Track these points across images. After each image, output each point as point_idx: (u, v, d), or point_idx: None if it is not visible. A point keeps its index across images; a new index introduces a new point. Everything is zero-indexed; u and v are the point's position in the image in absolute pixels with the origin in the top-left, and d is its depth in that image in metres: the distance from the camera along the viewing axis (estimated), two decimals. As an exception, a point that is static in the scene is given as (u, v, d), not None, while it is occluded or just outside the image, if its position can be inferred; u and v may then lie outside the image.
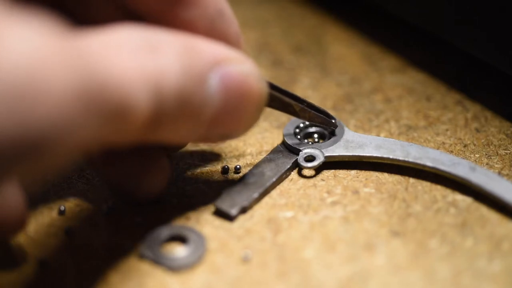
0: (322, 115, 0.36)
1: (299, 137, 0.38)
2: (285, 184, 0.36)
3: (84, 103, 0.23)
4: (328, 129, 0.38)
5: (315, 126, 0.38)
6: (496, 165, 0.36)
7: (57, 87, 0.22)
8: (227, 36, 0.31)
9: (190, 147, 0.38)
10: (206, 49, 0.29)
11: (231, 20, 0.32)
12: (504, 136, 0.38)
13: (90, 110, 0.23)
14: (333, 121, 0.37)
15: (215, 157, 0.38)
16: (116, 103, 0.24)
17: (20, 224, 0.30)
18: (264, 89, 0.30)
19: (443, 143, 0.38)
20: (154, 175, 0.33)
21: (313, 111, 0.36)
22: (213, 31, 0.31)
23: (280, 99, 0.34)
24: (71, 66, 0.23)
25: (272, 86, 0.34)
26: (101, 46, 0.25)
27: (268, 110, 0.41)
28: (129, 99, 0.25)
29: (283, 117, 0.40)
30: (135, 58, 0.25)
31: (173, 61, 0.27)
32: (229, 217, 0.34)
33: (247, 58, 0.30)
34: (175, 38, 0.28)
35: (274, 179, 0.35)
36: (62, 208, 0.34)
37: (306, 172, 0.36)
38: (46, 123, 0.22)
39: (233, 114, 0.29)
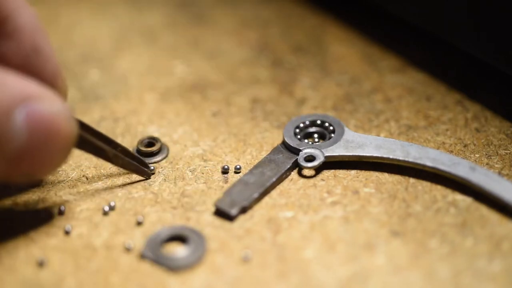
0: (135, 163, 0.35)
1: (299, 137, 0.38)
2: (285, 184, 0.36)
3: None
4: (143, 176, 0.36)
5: (315, 126, 0.38)
6: (496, 165, 0.36)
7: None
8: (43, 73, 0.31)
9: (190, 147, 0.38)
10: (14, 83, 0.28)
11: (48, 57, 0.31)
12: (504, 136, 0.38)
13: None
14: (148, 170, 0.36)
15: (215, 157, 0.38)
16: None
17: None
18: (73, 130, 0.29)
19: (443, 143, 0.38)
20: None
21: (127, 158, 0.35)
22: (27, 67, 0.30)
23: (92, 143, 0.33)
24: None
25: (84, 127, 0.33)
26: None
27: (268, 110, 0.41)
28: None
29: (283, 117, 0.40)
30: None
31: None
32: (229, 217, 0.34)
33: (58, 97, 0.29)
34: None
35: (274, 179, 0.35)
36: (62, 208, 0.34)
37: (306, 172, 0.36)
38: None
39: (38, 153, 0.28)
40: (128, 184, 0.36)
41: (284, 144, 0.37)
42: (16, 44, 0.30)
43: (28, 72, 0.30)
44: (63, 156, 0.30)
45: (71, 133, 0.29)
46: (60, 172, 0.36)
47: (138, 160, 0.36)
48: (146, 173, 0.36)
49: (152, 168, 0.36)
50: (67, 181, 0.36)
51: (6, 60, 0.30)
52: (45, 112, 0.28)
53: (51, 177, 0.36)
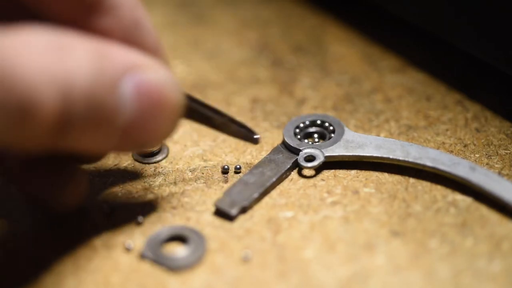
0: (243, 129, 0.36)
1: (299, 137, 0.38)
2: (285, 184, 0.36)
3: None
4: (250, 142, 0.36)
5: (315, 126, 0.38)
6: (496, 165, 0.36)
7: None
8: (145, 46, 0.31)
9: (190, 147, 0.38)
10: (119, 54, 0.28)
11: (148, 30, 0.31)
12: (504, 136, 0.38)
13: None
14: (255, 136, 0.36)
15: (215, 157, 0.38)
16: (21, 100, 0.24)
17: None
18: (180, 98, 0.29)
19: (443, 143, 0.38)
20: (69, 187, 0.32)
21: (234, 125, 0.35)
22: (129, 41, 0.30)
23: (200, 112, 0.33)
24: None
25: (191, 99, 0.33)
26: (9, 44, 0.25)
27: (268, 110, 0.41)
28: (34, 96, 0.24)
29: (283, 117, 0.40)
30: (43, 58, 0.25)
31: (83, 63, 0.26)
32: (229, 217, 0.34)
33: (164, 67, 0.29)
34: (86, 41, 0.27)
35: (274, 179, 0.35)
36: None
37: (306, 172, 0.36)
38: None
39: (148, 123, 0.28)
40: (128, 184, 0.36)
41: (284, 144, 0.37)
42: (117, 18, 0.30)
43: (129, 46, 0.30)
44: (172, 125, 0.30)
45: (179, 101, 0.29)
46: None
47: (246, 128, 0.36)
48: (254, 140, 0.36)
49: (258, 135, 0.36)
50: (67, 181, 0.36)
51: (109, 35, 0.30)
52: (152, 80, 0.28)
53: (51, 177, 0.36)
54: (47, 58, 0.25)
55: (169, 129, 0.30)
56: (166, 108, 0.29)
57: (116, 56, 0.28)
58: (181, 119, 0.30)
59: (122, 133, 0.28)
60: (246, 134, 0.36)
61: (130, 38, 0.30)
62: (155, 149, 0.37)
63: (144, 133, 0.29)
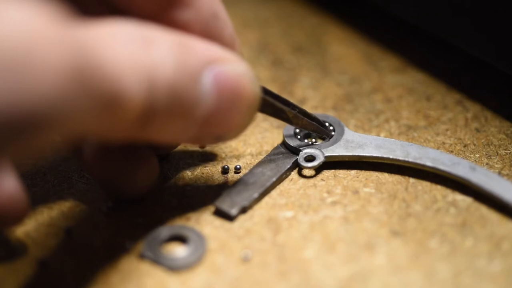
0: (314, 123, 0.36)
1: (299, 137, 0.38)
2: (285, 184, 0.36)
3: (77, 84, 0.23)
4: (322, 136, 0.37)
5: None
6: (496, 165, 0.36)
7: (50, 63, 0.22)
8: (222, 38, 0.31)
9: (190, 147, 0.38)
10: (200, 47, 0.28)
11: (226, 22, 0.32)
12: (504, 136, 0.38)
13: (83, 92, 0.23)
14: (327, 130, 0.37)
15: (215, 157, 0.38)
16: (108, 89, 0.24)
17: (21, 214, 0.30)
18: (257, 91, 0.30)
19: (443, 143, 0.38)
20: (142, 174, 0.33)
21: (306, 118, 0.36)
22: (207, 33, 0.31)
23: (273, 105, 0.34)
24: (65, 48, 0.23)
25: (266, 91, 0.33)
26: (96, 35, 0.25)
27: (268, 110, 0.41)
28: (121, 87, 0.25)
29: (283, 117, 0.40)
30: (129, 49, 0.25)
31: (167, 56, 0.27)
32: (229, 217, 0.34)
33: (241, 60, 0.30)
34: (169, 35, 0.28)
35: (274, 179, 0.35)
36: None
37: (306, 172, 0.36)
38: (39, 98, 0.22)
39: (226, 115, 0.29)
40: (128, 184, 0.36)
41: (284, 144, 0.37)
42: (196, 11, 0.30)
43: (208, 37, 0.31)
44: (249, 118, 0.30)
45: (256, 94, 0.30)
46: (61, 172, 0.36)
47: (317, 121, 0.36)
48: (326, 133, 0.37)
49: (331, 128, 0.37)
50: (67, 181, 0.36)
51: (188, 27, 0.30)
52: (231, 73, 0.29)
53: (51, 177, 0.36)
54: (133, 50, 0.26)
55: (246, 122, 0.30)
56: (244, 100, 0.29)
57: (198, 49, 0.28)
58: (257, 111, 0.31)
59: (201, 124, 0.29)
60: (318, 128, 0.36)
61: (209, 30, 0.31)
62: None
63: (221, 125, 0.29)
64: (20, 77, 0.21)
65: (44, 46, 0.22)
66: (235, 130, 0.30)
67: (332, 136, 0.37)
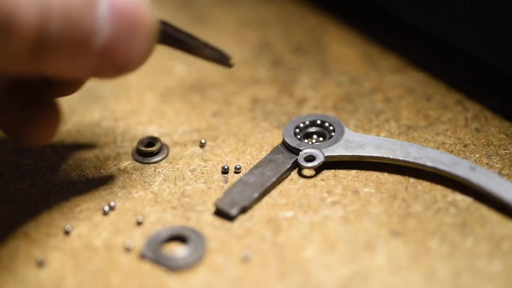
0: (217, 53, 0.35)
1: (299, 137, 0.38)
2: (285, 184, 0.36)
3: None
4: (225, 67, 0.36)
5: (315, 126, 0.38)
6: (496, 165, 0.36)
7: None
8: None
9: (190, 147, 0.38)
10: None
11: None
12: (504, 136, 0.38)
13: None
14: (229, 61, 0.36)
15: (215, 157, 0.38)
16: (1, 16, 0.24)
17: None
18: (154, 19, 0.30)
19: (443, 143, 0.38)
20: (44, 118, 0.32)
21: (208, 49, 0.35)
22: None
23: (174, 36, 0.33)
24: None
25: (165, 24, 0.33)
26: None
27: (268, 110, 0.41)
28: (14, 12, 0.25)
29: (283, 117, 0.40)
30: None
31: None
32: (229, 217, 0.34)
33: None
34: None
35: (274, 179, 0.35)
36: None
37: (306, 172, 0.36)
38: None
39: (124, 43, 0.29)
40: (128, 184, 0.36)
41: (284, 144, 0.37)
42: None
43: None
44: (148, 46, 0.30)
45: (153, 21, 0.30)
46: (60, 172, 0.36)
47: (219, 52, 0.36)
48: (228, 64, 0.36)
49: (232, 59, 0.36)
50: (67, 181, 0.36)
51: None
52: (126, 1, 0.29)
53: (51, 177, 0.36)
54: None
55: (146, 50, 0.30)
56: (141, 27, 0.29)
57: None
58: (156, 42, 0.30)
59: (99, 55, 0.28)
60: (220, 58, 0.35)
61: None
62: (154, 148, 0.37)
63: (120, 54, 0.29)
64: None
65: None
66: (135, 59, 0.30)
67: (231, 64, 0.36)
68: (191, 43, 0.34)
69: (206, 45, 0.35)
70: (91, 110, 0.41)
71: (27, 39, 0.26)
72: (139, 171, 0.37)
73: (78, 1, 0.27)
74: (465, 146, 0.38)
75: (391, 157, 0.36)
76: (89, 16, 0.27)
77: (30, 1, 0.25)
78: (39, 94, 0.32)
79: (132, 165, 0.37)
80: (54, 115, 0.33)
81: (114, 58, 0.29)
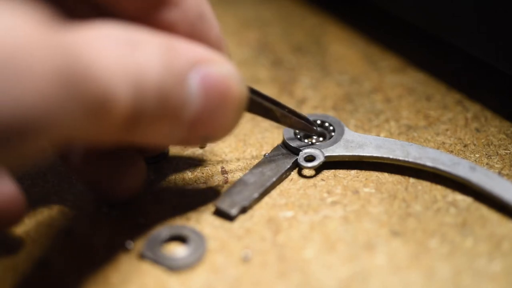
0: (303, 121, 0.36)
1: (299, 137, 0.38)
2: (285, 184, 0.36)
3: (65, 90, 0.23)
4: (311, 134, 0.37)
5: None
6: (496, 165, 0.36)
7: (37, 68, 0.22)
8: (208, 39, 0.31)
9: (190, 147, 0.38)
10: (187, 49, 0.28)
11: (212, 23, 0.32)
12: (504, 136, 0.38)
13: (70, 97, 0.23)
14: (314, 128, 0.37)
15: (215, 157, 0.38)
16: (96, 94, 0.24)
17: (18, 215, 0.31)
18: (244, 92, 0.30)
19: (443, 143, 0.38)
20: (129, 177, 0.33)
21: (294, 117, 0.36)
22: (193, 34, 0.31)
23: (261, 104, 0.34)
24: (53, 53, 0.22)
25: (253, 91, 0.33)
26: (83, 39, 0.25)
27: (268, 110, 0.41)
28: (108, 91, 0.25)
29: (283, 117, 0.40)
30: (115, 53, 0.25)
31: (153, 58, 0.27)
32: (229, 217, 0.34)
33: (228, 61, 0.30)
34: (155, 37, 0.28)
35: (274, 179, 0.35)
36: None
37: (306, 172, 0.36)
38: (26, 105, 0.22)
39: (213, 116, 0.29)
40: (128, 184, 0.36)
41: (284, 144, 0.37)
42: (183, 12, 0.30)
43: (195, 38, 0.31)
44: (236, 118, 0.30)
45: (243, 94, 0.30)
46: (61, 172, 0.36)
47: (305, 119, 0.36)
48: (314, 131, 0.37)
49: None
50: (67, 181, 0.36)
51: (174, 28, 0.30)
52: (217, 74, 0.29)
53: (51, 177, 0.36)
54: (119, 53, 0.25)
55: (233, 122, 0.30)
56: (231, 101, 0.29)
57: (184, 50, 0.28)
58: (244, 111, 0.31)
59: (188, 126, 0.29)
60: (306, 126, 0.36)
61: (195, 31, 0.31)
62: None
63: (209, 126, 0.29)
64: (6, 84, 0.21)
65: (30, 51, 0.22)
66: (223, 131, 0.30)
67: (321, 134, 0.37)
68: (277, 111, 0.35)
69: (291, 113, 0.36)
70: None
71: (120, 118, 0.26)
72: (139, 171, 0.37)
73: (170, 78, 0.27)
74: (465, 146, 0.38)
75: (391, 157, 0.36)
76: (180, 91, 0.28)
77: (124, 83, 0.25)
78: (127, 154, 0.33)
79: (132, 165, 0.37)
80: (139, 172, 0.33)
81: (202, 130, 0.29)
